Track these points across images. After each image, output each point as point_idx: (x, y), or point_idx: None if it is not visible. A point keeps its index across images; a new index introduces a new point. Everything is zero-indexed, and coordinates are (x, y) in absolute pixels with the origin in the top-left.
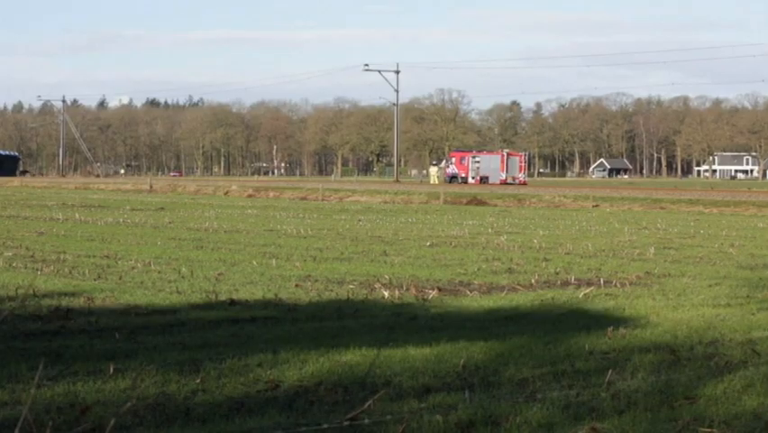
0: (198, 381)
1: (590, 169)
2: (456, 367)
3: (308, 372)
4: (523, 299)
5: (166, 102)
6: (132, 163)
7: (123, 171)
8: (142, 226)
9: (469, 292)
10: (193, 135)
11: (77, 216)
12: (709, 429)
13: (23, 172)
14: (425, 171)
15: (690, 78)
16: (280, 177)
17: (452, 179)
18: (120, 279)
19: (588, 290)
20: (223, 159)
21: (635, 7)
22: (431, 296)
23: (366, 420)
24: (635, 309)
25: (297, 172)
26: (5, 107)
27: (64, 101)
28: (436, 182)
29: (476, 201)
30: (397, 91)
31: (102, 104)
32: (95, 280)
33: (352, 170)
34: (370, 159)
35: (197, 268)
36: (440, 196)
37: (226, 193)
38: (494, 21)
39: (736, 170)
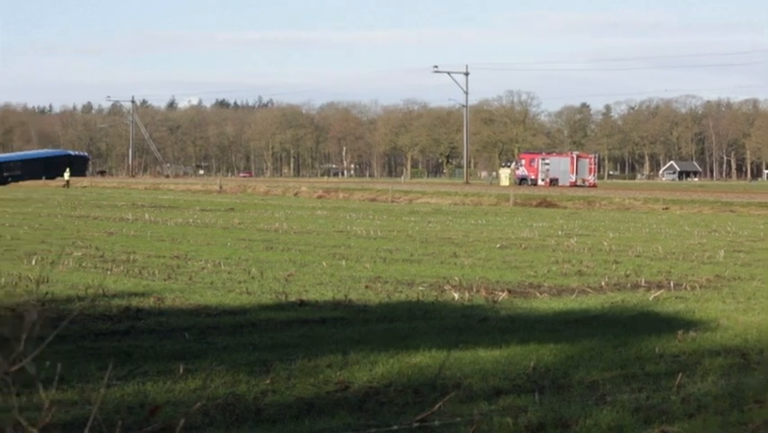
0: (268, 381)
1: (660, 171)
2: (526, 369)
3: (378, 373)
4: (593, 301)
5: (235, 103)
6: (202, 164)
7: (202, 172)
8: (212, 227)
9: (539, 294)
10: (263, 136)
11: (146, 216)
12: None
13: (101, 172)
14: (494, 173)
15: (760, 80)
16: (350, 178)
17: (522, 180)
18: (190, 279)
19: (658, 293)
20: (292, 160)
21: (705, 9)
22: (501, 298)
23: (436, 422)
24: (705, 313)
25: (367, 174)
26: (75, 108)
27: (134, 102)
28: (507, 184)
29: (546, 203)
30: (466, 93)
31: (171, 104)
32: (164, 280)
33: (422, 171)
34: (440, 160)
35: (267, 269)
36: (510, 198)
37: (296, 194)
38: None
39: None
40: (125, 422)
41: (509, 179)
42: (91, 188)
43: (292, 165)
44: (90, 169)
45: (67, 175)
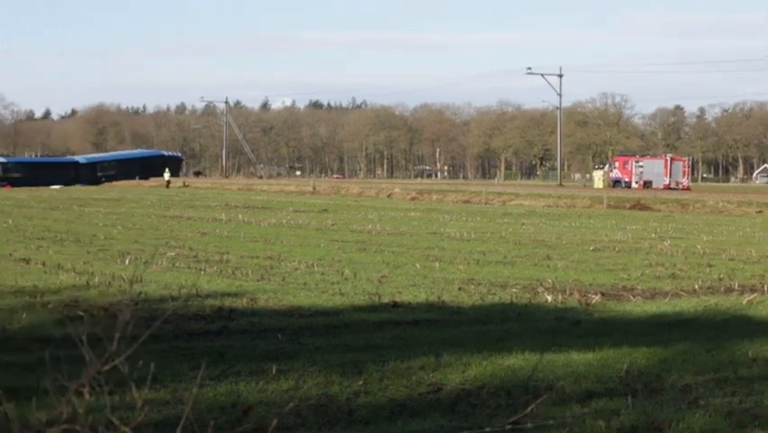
0: (361, 382)
1: (754, 174)
2: (619, 372)
3: (471, 375)
4: (686, 304)
5: (329, 104)
6: (295, 165)
7: (299, 173)
8: (305, 228)
9: (632, 297)
10: (356, 137)
11: (240, 217)
12: None
13: (197, 173)
14: (588, 175)
15: None
16: (443, 180)
17: (616, 183)
18: (283, 280)
19: (751, 297)
20: (386, 161)
21: None
22: (594, 301)
23: (528, 424)
24: None
25: (461, 175)
26: (169, 108)
27: (227, 102)
28: (600, 186)
29: (639, 206)
30: (560, 95)
31: (265, 105)
32: (258, 280)
33: (516, 173)
34: (534, 162)
35: (360, 270)
36: (603, 200)
37: (389, 195)
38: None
39: None
40: (218, 422)
41: (603, 181)
42: (184, 189)
43: (385, 166)
44: (184, 169)
45: (167, 175)
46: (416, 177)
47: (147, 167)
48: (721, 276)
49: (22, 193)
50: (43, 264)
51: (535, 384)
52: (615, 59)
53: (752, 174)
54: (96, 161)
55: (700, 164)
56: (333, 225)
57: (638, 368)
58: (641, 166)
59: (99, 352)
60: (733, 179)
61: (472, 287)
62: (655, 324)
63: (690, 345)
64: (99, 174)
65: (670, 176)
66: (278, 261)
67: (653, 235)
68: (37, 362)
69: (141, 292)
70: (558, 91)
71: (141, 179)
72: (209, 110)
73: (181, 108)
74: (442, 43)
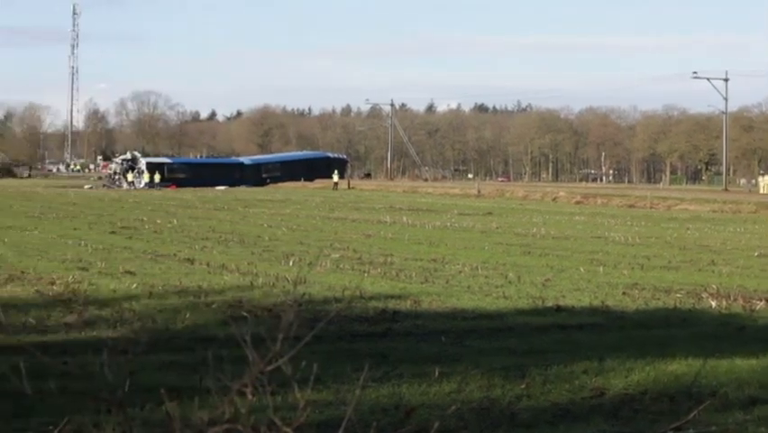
0: (523, 386)
1: None
2: None
3: (634, 380)
4: None
5: (494, 107)
6: (460, 168)
7: (470, 176)
8: (470, 231)
9: None
10: (521, 141)
11: (404, 219)
12: None
13: (367, 175)
14: (753, 181)
15: None
16: (608, 184)
17: None
18: (447, 282)
19: None
20: (551, 165)
21: None
22: (759, 307)
23: (691, 431)
24: None
25: (626, 179)
26: (334, 110)
27: (392, 105)
28: (766, 192)
29: None
30: (725, 99)
31: (430, 108)
32: (421, 283)
33: (681, 177)
34: (699, 167)
35: (524, 273)
36: None
37: (554, 199)
38: None
39: None
40: (380, 424)
41: None
42: (349, 191)
43: (550, 170)
44: (349, 171)
45: (335, 177)
46: (580, 181)
47: (312, 169)
48: None
49: (187, 194)
50: (208, 265)
51: (698, 390)
52: None
53: None
54: (260, 163)
55: None
56: (497, 228)
57: None
58: None
59: (262, 352)
60: None
61: (636, 291)
62: None
63: None
64: (264, 175)
65: None
66: (442, 263)
67: None
68: (200, 361)
69: (305, 293)
70: (724, 95)
71: (305, 180)
72: (374, 112)
73: (347, 110)
74: (608, 46)
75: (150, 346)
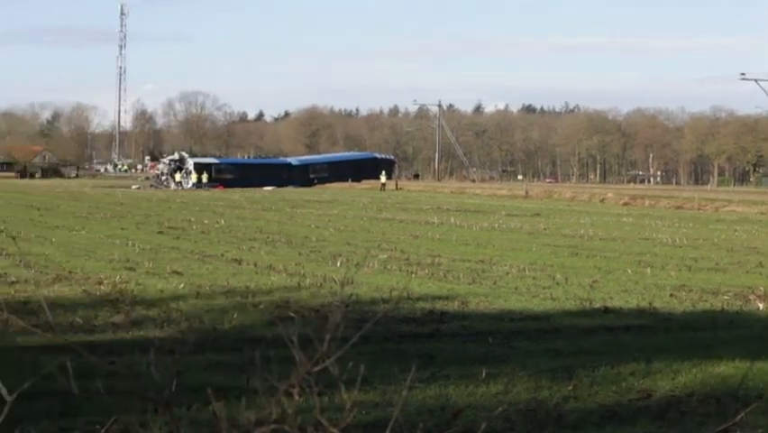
0: (570, 387)
1: None
2: None
3: (681, 382)
4: None
5: (542, 108)
6: (508, 169)
7: (520, 177)
8: (517, 232)
9: None
10: (569, 142)
11: (452, 220)
12: None
13: (416, 176)
14: None
15: None
16: (656, 185)
17: None
18: (494, 283)
19: None
20: (598, 166)
21: None
22: None
23: None
24: None
25: (673, 181)
26: (382, 111)
27: (440, 105)
28: None
29: None
30: None
31: (478, 108)
32: (469, 284)
33: (729, 179)
34: (746, 169)
35: (572, 275)
36: None
37: (602, 200)
38: None
39: None
40: (426, 425)
41: None
42: (397, 192)
43: (598, 171)
44: (396, 172)
45: (383, 178)
46: (628, 182)
47: (359, 169)
48: None
49: (235, 194)
50: (255, 265)
51: (745, 392)
52: None
53: None
54: (308, 163)
55: None
56: (545, 229)
57: None
58: None
59: (309, 353)
60: None
61: (684, 293)
62: None
63: None
64: (311, 176)
65: None
66: (489, 264)
67: None
68: (247, 362)
69: (352, 294)
70: None
71: (353, 181)
72: (422, 113)
73: (394, 111)
74: (656, 48)
75: (197, 346)
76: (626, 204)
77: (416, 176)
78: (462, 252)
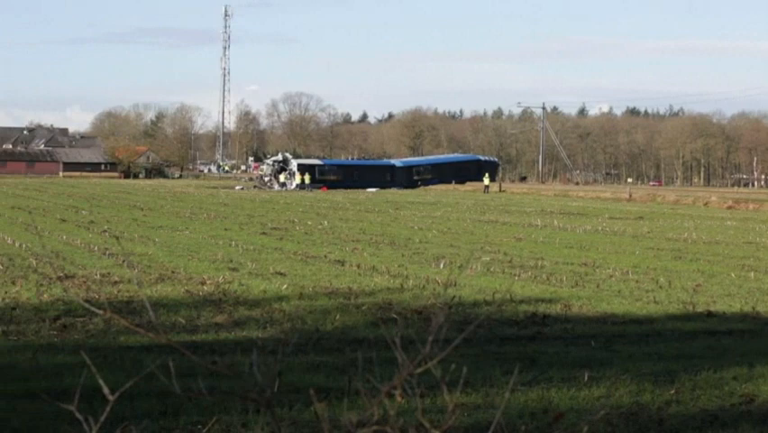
0: (673, 392)
1: None
2: None
3: None
4: None
5: (646, 111)
6: (611, 172)
7: (630, 180)
8: (621, 235)
9: None
10: (673, 145)
11: (555, 223)
12: None
13: (523, 178)
14: None
15: None
16: (760, 189)
17: None
18: (597, 287)
19: None
20: (702, 169)
21: None
22: None
23: None
24: None
25: None
26: (485, 113)
27: (544, 108)
28: None
29: None
30: None
31: (582, 111)
32: (572, 287)
33: None
34: None
35: (675, 278)
36: None
37: (706, 204)
38: None
39: None
40: (528, 427)
41: None
42: (500, 194)
43: (702, 175)
44: (500, 174)
45: (486, 180)
46: (732, 186)
47: (463, 171)
48: None
49: (338, 195)
50: (358, 267)
51: None
52: None
53: None
54: (412, 165)
55: None
56: (648, 232)
57: None
58: None
59: (412, 354)
60: None
61: None
62: None
63: None
64: (415, 178)
65: None
66: (592, 267)
67: None
68: (349, 363)
69: (455, 296)
70: None
71: (456, 183)
72: (526, 116)
73: (498, 113)
74: (761, 51)
75: (299, 347)
76: (729, 207)
77: (524, 178)
78: (565, 255)
